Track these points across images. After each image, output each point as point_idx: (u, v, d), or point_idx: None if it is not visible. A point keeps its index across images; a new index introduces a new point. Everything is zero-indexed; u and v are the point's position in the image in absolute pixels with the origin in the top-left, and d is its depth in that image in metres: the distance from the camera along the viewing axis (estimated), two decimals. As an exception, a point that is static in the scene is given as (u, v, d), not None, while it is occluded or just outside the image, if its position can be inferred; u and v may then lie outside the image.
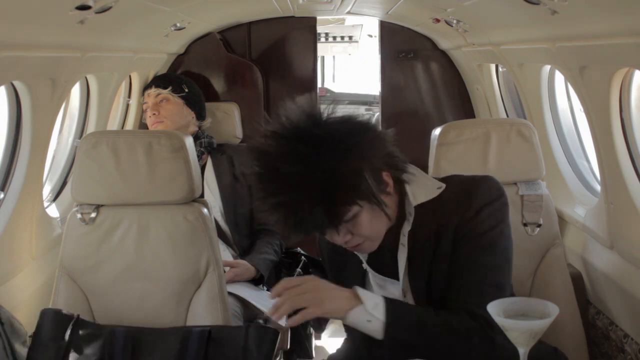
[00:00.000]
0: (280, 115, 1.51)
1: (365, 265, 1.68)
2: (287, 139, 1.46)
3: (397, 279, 1.63)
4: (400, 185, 1.59)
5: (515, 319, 1.31)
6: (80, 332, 1.97)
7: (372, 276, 1.68)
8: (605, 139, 2.03)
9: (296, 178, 1.42)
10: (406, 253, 1.60)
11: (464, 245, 1.57)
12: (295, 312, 1.58)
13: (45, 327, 1.94)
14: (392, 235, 1.61)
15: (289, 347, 2.69)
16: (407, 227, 1.60)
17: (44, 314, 1.97)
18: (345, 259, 1.70)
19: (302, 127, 1.46)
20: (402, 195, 1.61)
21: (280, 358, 2.62)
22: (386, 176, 1.53)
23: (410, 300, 1.62)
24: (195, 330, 2.00)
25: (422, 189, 1.61)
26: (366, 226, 1.51)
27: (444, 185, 1.61)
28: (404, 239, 1.61)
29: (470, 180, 1.64)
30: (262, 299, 2.64)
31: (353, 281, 1.63)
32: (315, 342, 3.50)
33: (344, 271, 1.73)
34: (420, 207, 1.59)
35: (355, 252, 1.64)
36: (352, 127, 1.49)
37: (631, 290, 1.98)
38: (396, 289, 1.64)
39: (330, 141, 1.44)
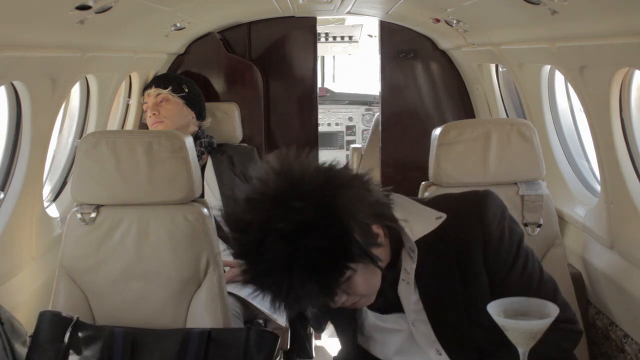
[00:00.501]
0: (253, 178, 1.38)
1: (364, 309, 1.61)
2: (266, 209, 1.31)
3: (400, 311, 1.57)
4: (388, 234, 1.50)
5: (515, 319, 1.31)
6: (80, 334, 1.97)
7: (371, 314, 1.63)
8: (605, 139, 2.03)
9: (283, 254, 1.29)
10: (412, 288, 1.53)
11: (510, 265, 1.54)
12: None
13: (44, 329, 1.94)
14: (388, 272, 1.51)
15: (289, 347, 2.70)
16: (410, 264, 1.52)
17: (43, 315, 1.96)
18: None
19: (279, 194, 1.32)
20: (393, 231, 1.50)
21: (280, 358, 2.62)
22: (376, 228, 1.42)
23: (421, 329, 1.57)
24: (195, 331, 2.00)
25: (419, 221, 1.53)
26: (362, 286, 1.42)
27: (444, 216, 1.53)
28: (407, 276, 1.53)
29: (468, 199, 1.59)
30: (262, 299, 2.64)
31: (345, 318, 1.63)
32: (315, 342, 3.51)
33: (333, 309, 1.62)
34: (419, 240, 1.51)
35: (358, 307, 1.55)
36: (333, 185, 1.35)
37: (631, 290, 1.98)
38: (402, 321, 1.58)
39: (312, 206, 1.30)
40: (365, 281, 1.43)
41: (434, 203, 1.58)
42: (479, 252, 1.53)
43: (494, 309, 1.32)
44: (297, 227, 1.29)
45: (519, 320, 1.30)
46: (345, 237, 1.32)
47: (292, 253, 1.29)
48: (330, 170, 1.39)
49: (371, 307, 1.59)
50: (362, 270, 1.39)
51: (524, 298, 1.36)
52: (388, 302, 1.56)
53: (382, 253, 1.46)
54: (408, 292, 1.54)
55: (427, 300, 1.55)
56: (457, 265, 1.54)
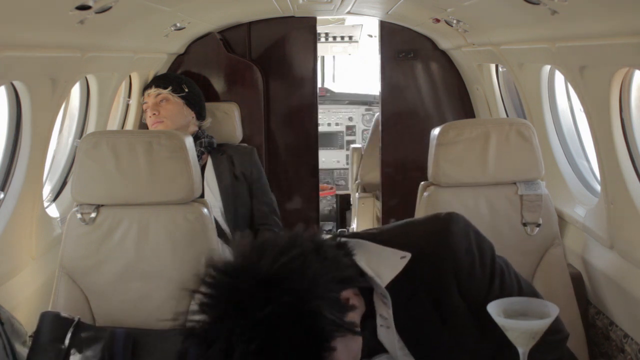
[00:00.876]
0: (213, 269, 1.31)
1: None
2: (227, 321, 1.26)
3: (384, 351, 1.50)
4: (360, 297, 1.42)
5: (516, 319, 1.31)
6: (81, 335, 1.97)
7: None
8: (605, 139, 2.03)
9: (255, 355, 1.20)
10: (394, 332, 1.47)
11: (487, 285, 1.48)
12: None
13: (45, 330, 1.94)
14: (366, 322, 1.45)
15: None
16: (386, 310, 1.46)
17: (44, 317, 1.96)
18: None
19: (242, 288, 1.28)
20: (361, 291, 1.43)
21: (280, 358, 2.62)
22: (345, 293, 1.34)
23: None
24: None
25: (384, 265, 1.44)
26: (344, 357, 1.31)
27: (408, 255, 1.44)
28: (384, 321, 1.47)
29: (431, 228, 1.52)
30: None
31: None
32: (315, 342, 3.50)
33: None
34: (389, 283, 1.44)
35: None
36: (297, 266, 1.25)
37: (631, 290, 1.98)
38: None
39: (279, 297, 1.22)
40: (347, 351, 1.32)
41: (396, 239, 1.50)
42: (452, 284, 1.47)
43: (494, 309, 1.32)
44: (263, 318, 1.21)
45: (519, 320, 1.30)
46: (316, 323, 1.23)
47: (262, 345, 1.20)
48: (293, 248, 1.29)
49: None
50: (341, 342, 1.28)
51: (525, 298, 1.36)
52: (372, 348, 1.51)
53: (356, 314, 1.38)
54: (390, 337, 1.48)
55: (410, 342, 1.49)
56: (432, 303, 1.47)
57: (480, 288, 1.48)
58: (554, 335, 1.51)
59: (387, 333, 1.49)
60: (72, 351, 1.95)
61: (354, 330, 1.32)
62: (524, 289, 1.53)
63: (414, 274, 1.45)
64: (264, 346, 1.20)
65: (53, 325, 1.96)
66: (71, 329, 1.97)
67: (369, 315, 1.47)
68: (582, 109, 2.18)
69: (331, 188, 5.92)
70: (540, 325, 1.29)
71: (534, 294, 1.54)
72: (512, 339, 1.30)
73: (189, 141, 2.19)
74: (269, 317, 1.20)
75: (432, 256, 1.47)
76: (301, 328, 1.21)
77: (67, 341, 1.94)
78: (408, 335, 1.49)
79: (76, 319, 2.00)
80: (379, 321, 1.49)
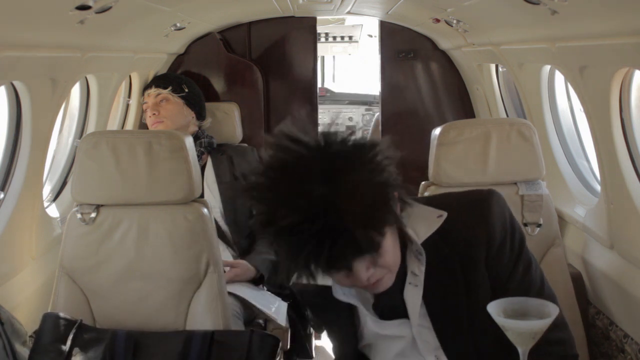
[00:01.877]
0: (289, 129, 1.31)
1: (368, 311, 1.53)
2: (311, 156, 1.27)
3: (402, 317, 1.52)
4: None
5: (515, 319, 1.31)
6: (82, 336, 1.97)
7: (371, 322, 1.56)
8: (605, 139, 2.03)
9: (331, 199, 1.22)
10: (421, 292, 1.50)
11: (511, 268, 1.50)
12: None
13: (46, 331, 1.94)
14: (398, 275, 1.46)
15: (289, 347, 2.70)
16: (419, 266, 1.48)
17: (46, 318, 1.97)
18: (328, 302, 1.54)
19: (325, 143, 1.29)
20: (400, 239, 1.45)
21: (280, 358, 2.62)
22: (396, 200, 1.39)
23: (425, 336, 1.53)
24: (197, 332, 2.00)
25: (421, 222, 1.48)
26: (390, 254, 1.37)
27: (445, 214, 1.48)
28: (414, 279, 1.49)
29: (471, 197, 1.55)
30: (262, 299, 2.64)
31: (343, 323, 1.58)
32: (315, 342, 3.50)
33: (329, 314, 1.60)
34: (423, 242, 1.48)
35: (374, 292, 1.47)
36: (370, 146, 1.33)
37: (631, 290, 1.98)
38: (404, 327, 1.53)
39: (359, 157, 1.29)
40: (393, 250, 1.38)
41: (435, 202, 1.53)
42: (482, 253, 1.49)
43: (494, 308, 1.32)
44: (345, 168, 1.26)
45: (518, 320, 1.30)
46: (386, 192, 1.30)
47: (339, 191, 1.23)
48: (363, 137, 1.37)
49: (375, 309, 1.55)
50: (390, 236, 1.36)
51: (524, 298, 1.36)
52: (390, 308, 1.53)
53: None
54: (416, 296, 1.50)
55: (431, 304, 1.51)
56: (460, 268, 1.50)
57: (504, 268, 1.50)
58: (563, 347, 1.52)
59: (414, 292, 1.50)
60: (74, 352, 1.95)
61: (406, 229, 1.41)
62: (545, 292, 1.52)
63: (449, 238, 1.49)
64: (339, 185, 1.24)
65: (55, 327, 1.96)
66: (73, 330, 1.97)
67: (399, 273, 1.47)
68: (582, 109, 2.18)
69: (331, 188, 5.91)
70: (540, 325, 1.29)
71: (552, 297, 1.52)
72: (512, 339, 1.30)
73: (189, 141, 2.19)
74: (351, 164, 1.27)
75: (469, 223, 1.50)
76: (376, 189, 1.28)
77: (69, 342, 1.95)
78: (431, 297, 1.51)
79: (78, 321, 2.00)
80: (409, 279, 1.50)
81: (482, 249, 1.49)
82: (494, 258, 1.49)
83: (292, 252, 1.28)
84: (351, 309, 1.58)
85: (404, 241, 1.47)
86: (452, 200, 1.55)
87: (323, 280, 1.42)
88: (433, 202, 1.53)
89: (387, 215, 1.31)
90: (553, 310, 1.30)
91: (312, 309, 1.66)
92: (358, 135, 1.37)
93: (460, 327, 1.50)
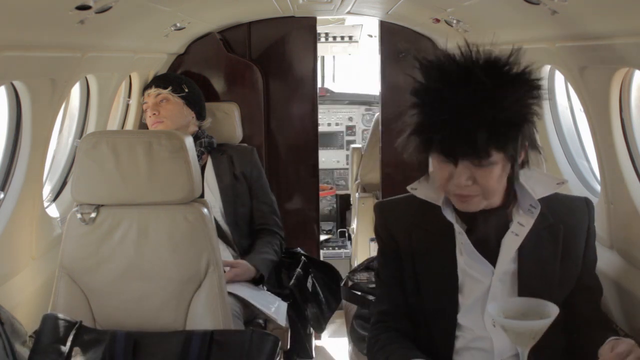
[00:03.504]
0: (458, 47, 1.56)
1: (463, 236, 1.65)
2: (472, 66, 1.52)
3: (492, 263, 1.65)
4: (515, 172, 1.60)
5: (516, 319, 1.30)
6: (82, 337, 1.97)
7: (464, 252, 1.66)
8: (605, 139, 2.03)
9: (487, 86, 1.46)
10: (519, 243, 1.64)
11: (590, 249, 1.73)
12: None
13: (46, 333, 1.94)
14: (498, 218, 1.64)
15: (288, 347, 2.70)
16: (529, 219, 1.63)
17: (46, 319, 1.97)
18: (434, 235, 1.70)
19: (486, 61, 1.54)
20: (509, 184, 1.61)
21: (280, 358, 2.62)
22: (524, 149, 1.58)
23: (500, 286, 1.64)
24: (197, 332, 2.00)
25: (539, 183, 1.66)
26: (494, 180, 1.53)
27: (565, 181, 1.72)
28: (519, 229, 1.64)
29: (577, 197, 1.82)
30: (262, 299, 2.64)
31: (441, 258, 1.68)
32: (315, 342, 3.51)
33: (431, 245, 1.70)
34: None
35: (461, 208, 1.61)
36: (533, 84, 1.54)
37: (631, 290, 1.97)
38: (487, 273, 1.65)
39: (522, 84, 1.51)
40: (499, 178, 1.54)
41: None
42: (582, 241, 1.70)
43: (494, 309, 1.32)
44: (498, 83, 1.48)
45: (519, 320, 1.30)
46: (523, 120, 1.50)
47: (490, 92, 1.46)
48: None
49: (469, 235, 1.65)
50: (502, 166, 1.53)
51: (525, 298, 1.36)
52: (483, 247, 1.65)
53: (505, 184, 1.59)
54: (512, 245, 1.64)
55: (523, 266, 1.64)
56: (563, 244, 1.67)
57: (589, 262, 1.73)
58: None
59: (514, 240, 1.64)
60: (74, 353, 1.95)
61: (517, 169, 1.56)
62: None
63: (556, 212, 1.68)
64: (491, 90, 1.48)
65: (55, 328, 1.96)
66: (73, 331, 1.97)
67: (501, 215, 1.65)
68: (582, 109, 2.18)
69: (331, 188, 5.92)
70: (540, 325, 1.28)
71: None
72: (512, 339, 1.30)
73: (189, 141, 2.19)
74: (509, 83, 1.51)
75: (575, 213, 1.71)
76: (519, 110, 1.50)
77: (68, 343, 1.95)
78: (527, 256, 1.65)
79: (78, 322, 2.00)
80: (513, 227, 1.64)
81: (585, 231, 1.71)
82: (590, 244, 1.71)
83: (431, 114, 1.52)
84: (452, 254, 1.68)
85: (512, 194, 1.63)
86: (560, 194, 1.72)
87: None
88: None
89: (511, 140, 1.49)
90: (553, 311, 1.30)
91: (411, 248, 1.73)
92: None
93: (544, 290, 1.58)
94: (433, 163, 1.59)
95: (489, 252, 1.65)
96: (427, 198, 1.69)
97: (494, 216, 1.63)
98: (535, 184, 1.65)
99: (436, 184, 1.62)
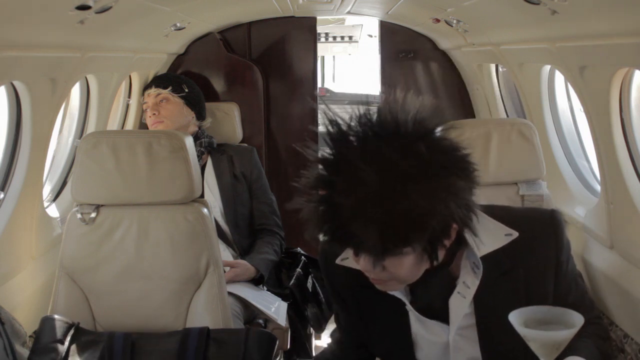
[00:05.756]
0: (377, 111, 1.32)
1: (408, 306, 1.51)
2: (376, 143, 1.26)
3: (445, 322, 1.50)
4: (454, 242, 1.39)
5: (539, 328, 1.26)
6: (80, 339, 1.97)
7: (413, 316, 1.54)
8: (605, 139, 2.03)
9: (373, 186, 1.22)
10: (467, 304, 1.46)
11: (570, 282, 1.53)
12: None
13: (45, 335, 1.94)
14: (441, 278, 1.46)
15: (289, 347, 2.70)
16: (473, 280, 1.45)
17: (44, 321, 1.97)
18: (381, 295, 1.49)
19: (399, 136, 1.26)
20: (457, 240, 1.40)
21: (280, 358, 2.62)
22: (453, 230, 1.33)
23: (460, 340, 1.51)
24: (194, 329, 2.00)
25: (486, 235, 1.42)
26: (406, 270, 1.34)
27: (515, 234, 1.45)
28: (465, 290, 1.46)
29: (539, 214, 1.56)
30: (262, 299, 2.64)
31: (391, 319, 1.54)
32: (315, 342, 3.51)
33: (379, 307, 1.55)
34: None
35: (378, 287, 1.44)
36: (450, 162, 1.28)
37: (631, 290, 1.98)
38: (442, 332, 1.51)
39: (423, 171, 1.24)
40: (411, 268, 1.34)
41: (499, 213, 1.49)
42: (551, 277, 1.49)
43: (516, 318, 1.26)
44: (400, 173, 1.22)
45: (542, 330, 1.23)
46: (431, 216, 1.24)
47: (383, 185, 1.21)
48: (453, 146, 1.30)
49: (413, 305, 1.52)
50: (416, 256, 1.32)
51: (547, 307, 1.29)
52: (429, 308, 1.50)
53: (440, 255, 1.36)
54: (461, 306, 1.47)
55: (482, 318, 1.48)
56: (524, 284, 1.48)
57: (568, 284, 1.52)
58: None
59: (460, 303, 1.47)
60: (72, 353, 1.95)
61: (434, 261, 1.33)
62: (584, 293, 1.58)
63: (514, 253, 1.46)
64: (386, 182, 1.22)
65: (53, 330, 1.96)
66: (71, 332, 1.97)
67: (445, 275, 1.45)
68: (582, 109, 2.18)
69: (331, 188, 5.91)
70: (565, 335, 1.21)
71: (588, 300, 1.59)
72: (535, 349, 1.22)
73: (189, 141, 2.19)
74: (410, 173, 1.23)
75: (539, 245, 1.48)
76: (422, 206, 1.22)
77: (66, 344, 1.95)
78: (483, 310, 1.48)
79: (76, 324, 2.00)
80: (459, 287, 1.46)
81: (552, 265, 1.49)
82: (561, 275, 1.50)
83: (321, 214, 1.28)
84: (401, 308, 1.52)
85: (460, 246, 1.42)
86: (519, 219, 1.50)
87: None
88: (496, 214, 1.48)
89: (418, 237, 1.27)
90: (578, 320, 1.24)
91: (358, 300, 1.59)
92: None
93: (510, 348, 1.43)
94: None
95: (439, 311, 1.49)
96: (361, 269, 1.41)
97: (436, 278, 1.44)
98: (482, 237, 1.40)
99: None
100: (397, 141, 1.25)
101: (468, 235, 1.38)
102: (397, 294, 1.49)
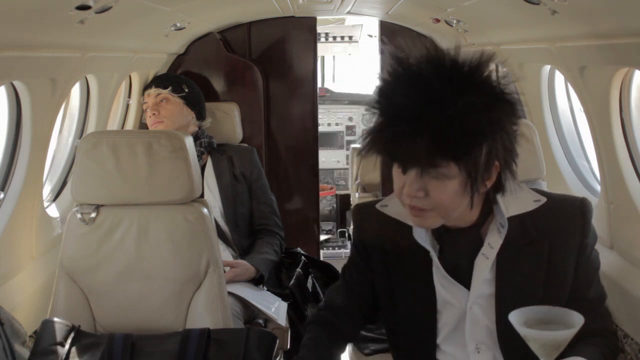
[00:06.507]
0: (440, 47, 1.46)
1: (435, 262, 1.55)
2: (441, 60, 1.42)
3: (466, 286, 1.53)
4: (491, 189, 1.46)
5: (539, 328, 1.25)
6: (81, 341, 1.97)
7: (438, 275, 1.55)
8: (605, 139, 2.03)
9: (434, 91, 1.33)
10: (489, 266, 1.51)
11: (589, 284, 1.56)
12: None
13: (45, 337, 1.94)
14: (469, 238, 1.51)
15: (289, 347, 2.70)
16: (497, 239, 1.49)
17: (45, 324, 1.97)
18: (409, 253, 1.56)
19: (453, 61, 1.41)
20: (487, 199, 1.48)
21: (280, 358, 2.62)
22: (495, 169, 1.40)
23: (478, 310, 1.54)
24: (194, 330, 2.00)
25: (515, 199, 1.49)
26: (449, 197, 1.39)
27: (543, 199, 1.52)
28: (489, 251, 1.50)
29: (572, 198, 1.60)
30: (262, 299, 2.64)
31: (417, 277, 1.56)
32: (315, 342, 3.50)
33: (406, 264, 1.58)
34: (512, 219, 1.50)
35: (415, 224, 1.50)
36: (508, 102, 1.38)
37: (631, 290, 1.97)
38: (463, 297, 1.54)
39: (484, 94, 1.35)
40: (453, 195, 1.39)
41: (533, 189, 1.57)
42: (573, 255, 1.52)
43: (516, 318, 1.26)
44: (462, 85, 1.33)
45: (542, 330, 1.23)
46: (483, 139, 1.33)
47: (447, 92, 1.31)
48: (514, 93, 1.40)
49: (440, 262, 1.54)
50: (459, 183, 1.37)
51: (547, 307, 1.29)
52: (456, 270, 1.54)
53: (477, 199, 1.43)
54: (484, 268, 1.51)
55: (502, 286, 1.52)
56: (548, 255, 1.52)
57: (588, 271, 1.56)
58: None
59: (483, 264, 1.51)
60: (72, 355, 1.95)
61: (475, 191, 1.38)
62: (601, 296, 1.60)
63: (541, 226, 1.52)
64: (451, 90, 1.33)
65: (53, 332, 1.96)
66: (72, 335, 1.97)
67: (475, 236, 1.51)
68: (582, 109, 2.18)
69: (331, 188, 5.92)
70: (565, 335, 1.21)
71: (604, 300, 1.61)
72: (535, 349, 1.22)
73: (189, 141, 2.19)
74: (478, 89, 1.34)
75: (566, 223, 1.53)
76: (478, 122, 1.32)
77: (67, 346, 1.95)
78: (506, 277, 1.51)
79: (77, 326, 2.00)
80: (484, 249, 1.51)
81: (575, 245, 1.53)
82: (584, 258, 1.54)
83: (379, 114, 1.39)
84: (428, 264, 1.56)
85: (490, 210, 1.50)
86: (551, 197, 1.56)
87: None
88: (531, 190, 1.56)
89: (464, 153, 1.34)
90: (578, 320, 1.24)
91: (386, 255, 1.62)
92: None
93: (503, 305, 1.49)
94: (393, 171, 1.47)
95: (463, 274, 1.53)
96: (398, 217, 1.56)
97: (465, 236, 1.51)
98: (510, 200, 1.49)
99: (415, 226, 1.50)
100: (463, 65, 1.38)
101: (499, 197, 1.46)
102: (427, 245, 1.53)
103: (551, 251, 1.52)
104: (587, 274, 1.56)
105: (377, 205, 1.60)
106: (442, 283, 1.56)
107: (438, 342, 1.59)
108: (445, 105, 1.31)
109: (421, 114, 1.31)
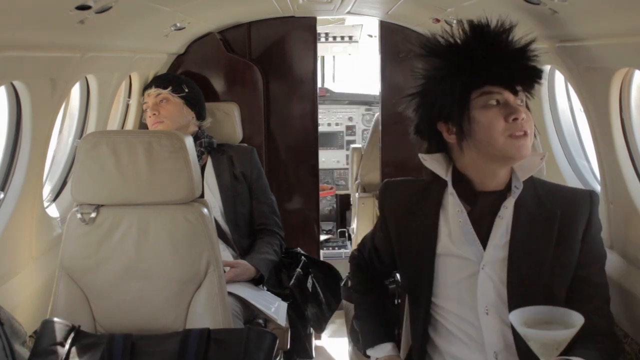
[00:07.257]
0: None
1: (462, 215, 1.70)
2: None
3: (481, 246, 1.68)
4: None
5: (539, 328, 1.25)
6: (81, 341, 1.97)
7: (462, 231, 1.70)
8: (605, 139, 2.03)
9: (497, 27, 1.69)
10: (504, 226, 1.67)
11: (592, 261, 1.69)
12: None
13: (45, 338, 1.94)
14: (495, 201, 1.68)
15: (289, 347, 2.70)
16: (511, 200, 1.66)
17: (45, 324, 1.97)
18: (418, 226, 1.75)
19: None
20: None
21: (280, 358, 2.62)
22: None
23: (489, 274, 1.66)
24: (194, 330, 2.00)
25: (524, 163, 1.68)
26: (530, 117, 1.64)
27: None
28: (504, 211, 1.67)
29: (581, 190, 1.82)
30: (262, 299, 2.64)
31: (422, 243, 1.74)
32: (315, 342, 3.51)
33: (413, 238, 1.77)
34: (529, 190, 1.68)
35: (521, 154, 1.64)
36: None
37: (631, 290, 1.98)
38: (477, 256, 1.68)
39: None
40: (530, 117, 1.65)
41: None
42: (580, 230, 1.66)
43: (517, 318, 1.26)
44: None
45: (542, 330, 1.24)
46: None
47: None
48: None
49: (470, 215, 1.70)
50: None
51: (548, 307, 1.31)
52: (479, 225, 1.69)
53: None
54: (501, 228, 1.67)
55: (514, 248, 1.65)
56: (557, 231, 1.65)
57: (589, 255, 1.68)
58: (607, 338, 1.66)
59: (500, 224, 1.68)
60: (72, 355, 1.95)
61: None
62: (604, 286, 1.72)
63: (554, 198, 1.70)
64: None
65: (53, 333, 1.96)
66: (71, 335, 1.97)
67: (498, 198, 1.69)
68: (582, 109, 2.18)
69: (331, 188, 5.92)
70: (565, 335, 1.22)
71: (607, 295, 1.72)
72: (535, 349, 1.23)
73: (189, 141, 2.19)
74: None
75: (575, 202, 1.69)
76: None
77: (67, 347, 1.95)
78: (518, 241, 1.66)
79: (77, 327, 2.00)
80: (500, 212, 1.68)
81: (584, 221, 1.67)
82: (590, 236, 1.67)
83: (468, 49, 1.73)
84: (433, 236, 1.74)
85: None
86: (563, 185, 1.81)
87: None
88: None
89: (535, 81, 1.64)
90: (577, 320, 1.24)
91: (398, 225, 1.82)
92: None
93: (533, 281, 1.62)
94: (479, 119, 1.62)
95: (483, 236, 1.69)
96: (434, 169, 1.74)
97: (492, 198, 1.68)
98: (522, 165, 1.68)
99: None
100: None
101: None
102: (458, 204, 1.71)
103: (562, 220, 1.66)
104: (595, 256, 1.68)
105: (420, 155, 1.78)
106: (460, 241, 1.70)
107: (449, 306, 1.73)
108: (514, 36, 1.65)
109: (512, 44, 1.63)
